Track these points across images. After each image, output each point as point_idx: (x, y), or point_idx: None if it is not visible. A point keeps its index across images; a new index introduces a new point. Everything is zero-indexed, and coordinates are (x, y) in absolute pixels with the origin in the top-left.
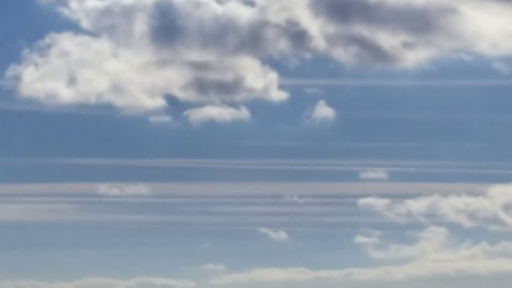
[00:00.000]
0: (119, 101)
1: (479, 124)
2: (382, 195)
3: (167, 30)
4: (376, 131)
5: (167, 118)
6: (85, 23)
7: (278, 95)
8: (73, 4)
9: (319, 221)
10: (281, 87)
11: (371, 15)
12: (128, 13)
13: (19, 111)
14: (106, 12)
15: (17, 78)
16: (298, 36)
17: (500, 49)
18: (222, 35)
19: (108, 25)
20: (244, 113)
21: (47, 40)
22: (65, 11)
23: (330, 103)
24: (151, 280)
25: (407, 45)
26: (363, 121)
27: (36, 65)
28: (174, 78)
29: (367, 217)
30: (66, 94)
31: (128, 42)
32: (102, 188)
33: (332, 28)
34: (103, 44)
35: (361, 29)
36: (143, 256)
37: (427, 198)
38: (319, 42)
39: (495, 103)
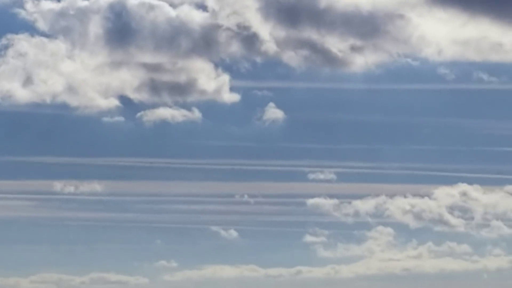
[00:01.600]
0: (74, 101)
1: (425, 127)
2: (330, 196)
3: (121, 32)
4: (324, 133)
5: (120, 119)
6: (41, 25)
7: (229, 97)
8: (29, 6)
9: (269, 220)
10: (233, 89)
11: (321, 20)
12: (83, 15)
13: None
14: (61, 14)
15: None
16: (249, 39)
17: (445, 55)
18: (175, 38)
19: (64, 27)
20: (196, 114)
21: (3, 41)
22: (22, 13)
23: (280, 105)
24: (105, 276)
25: (355, 49)
26: (312, 123)
27: None
28: (128, 80)
29: (315, 217)
30: (22, 94)
31: (83, 44)
32: (57, 185)
33: (282, 32)
34: (58, 46)
35: (311, 33)
36: (98, 253)
37: (374, 199)
38: (269, 46)
39: (440, 107)
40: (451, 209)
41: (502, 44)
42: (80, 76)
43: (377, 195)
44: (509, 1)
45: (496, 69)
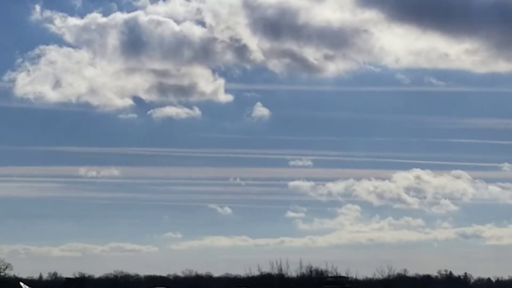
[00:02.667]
0: (95, 101)
1: (385, 122)
2: (307, 179)
3: (134, 43)
4: (302, 127)
5: (134, 115)
6: (67, 38)
7: (224, 98)
8: (58, 22)
9: (257, 199)
10: (227, 91)
11: (299, 34)
12: (102, 29)
13: (14, 108)
14: (84, 28)
15: (12, 81)
16: (240, 50)
17: (402, 63)
18: (179, 49)
19: (86, 39)
20: (196, 112)
21: (36, 51)
22: (52, 28)
23: (266, 104)
24: (121, 245)
25: (328, 58)
26: (292, 119)
27: (28, 71)
28: (140, 83)
29: (295, 197)
30: (52, 95)
31: (102, 53)
32: (82, 170)
33: (267, 44)
34: (82, 55)
35: (291, 45)
36: (115, 226)
37: (344, 181)
38: (257, 55)
39: (397, 106)
40: (407, 190)
41: (448, 54)
42: (100, 80)
43: (346, 179)
44: (453, 20)
45: (443, 75)
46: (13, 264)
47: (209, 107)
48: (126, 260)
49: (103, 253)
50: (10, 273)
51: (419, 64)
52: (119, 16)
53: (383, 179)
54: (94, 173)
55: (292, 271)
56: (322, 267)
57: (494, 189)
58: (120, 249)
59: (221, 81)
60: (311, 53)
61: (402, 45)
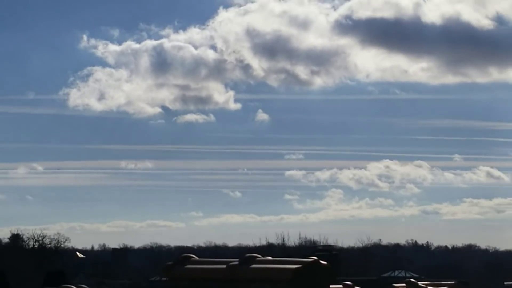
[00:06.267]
0: (131, 109)
1: (360, 123)
2: (300, 169)
3: (161, 64)
4: (295, 128)
5: (162, 121)
6: (109, 60)
7: (234, 106)
8: (101, 48)
9: (261, 185)
10: (236, 101)
11: (291, 55)
12: (136, 53)
13: (68, 116)
14: (122, 53)
15: (66, 95)
16: (245, 68)
17: (372, 78)
18: (197, 68)
19: (124, 61)
20: (211, 117)
21: (85, 71)
22: (97, 52)
23: (266, 111)
24: (155, 222)
25: (314, 73)
26: (287, 122)
27: (78, 87)
28: (167, 95)
29: (291, 183)
30: (97, 106)
31: (136, 72)
32: (122, 163)
33: (266, 63)
34: (121, 73)
35: (285, 64)
36: (150, 207)
37: (329, 170)
38: (258, 72)
39: (369, 110)
40: (379, 176)
41: (408, 70)
42: (135, 93)
43: (331, 168)
44: (412, 43)
45: (404, 86)
46: (71, 238)
47: (222, 113)
48: (159, 234)
49: (141, 228)
50: (68, 244)
51: (385, 78)
52: (149, 43)
53: (360, 168)
54: (132, 166)
55: (291, 241)
56: (315, 238)
57: (448, 175)
58: (154, 225)
59: (231, 93)
60: (301, 70)
61: (372, 63)
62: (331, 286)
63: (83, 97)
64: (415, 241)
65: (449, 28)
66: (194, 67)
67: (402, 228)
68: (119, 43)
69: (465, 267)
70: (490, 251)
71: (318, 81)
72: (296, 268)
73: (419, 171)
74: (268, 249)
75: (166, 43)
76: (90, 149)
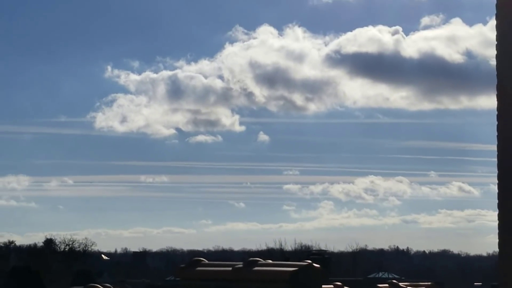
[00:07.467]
0: (149, 131)
1: (348, 144)
2: (296, 183)
3: (176, 91)
4: (292, 148)
5: (176, 141)
6: (130, 88)
7: (239, 128)
8: (123, 77)
9: (262, 196)
10: (240, 124)
11: (289, 84)
12: (154, 82)
13: (95, 136)
14: (141, 82)
15: (93, 118)
16: (248, 95)
17: (358, 104)
18: (207, 95)
19: (143, 89)
20: (219, 138)
21: (110, 98)
22: (119, 81)
23: (266, 133)
24: (171, 229)
25: (309, 100)
26: (285, 142)
27: (103, 111)
28: (180, 119)
29: (288, 195)
30: (119, 127)
31: (154, 98)
32: (141, 177)
33: (267, 91)
34: (140, 99)
35: (283, 91)
36: (166, 216)
37: (321, 184)
38: (260, 99)
39: (356, 132)
40: (365, 190)
41: (389, 98)
42: (153, 117)
43: (323, 183)
44: (393, 75)
45: (386, 112)
46: (97, 242)
47: (228, 135)
48: (174, 239)
49: (158, 234)
50: (94, 248)
51: (370, 105)
52: (165, 73)
53: (348, 183)
54: (150, 180)
55: (288, 246)
56: (309, 243)
57: (425, 189)
58: (169, 232)
59: (236, 117)
60: (297, 97)
61: (358, 92)
62: (323, 286)
63: (107, 120)
64: (397, 246)
65: (425, 62)
66: (204, 94)
67: (385, 235)
68: (139, 73)
69: (440, 269)
70: (462, 255)
71: (312, 107)
72: (292, 271)
73: (400, 186)
74: (268, 253)
75: (180, 73)
76: (113, 165)
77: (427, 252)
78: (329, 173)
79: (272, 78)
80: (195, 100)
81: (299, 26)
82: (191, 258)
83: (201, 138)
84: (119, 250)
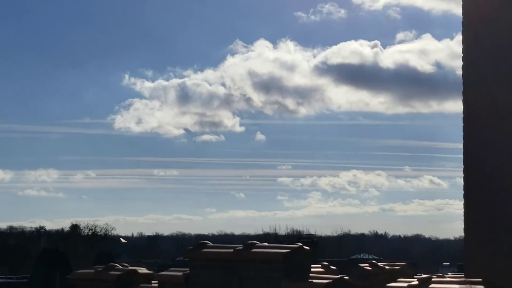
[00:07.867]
0: (160, 131)
1: (333, 142)
2: (288, 176)
3: (184, 97)
4: (285, 145)
5: (185, 140)
6: (145, 94)
7: (239, 129)
8: (139, 84)
9: (259, 188)
10: (240, 125)
11: (282, 90)
12: (165, 89)
13: (114, 135)
14: (154, 88)
15: (113, 120)
16: (247, 100)
17: (342, 108)
18: (211, 100)
19: (156, 95)
20: (222, 137)
21: (126, 102)
22: (135, 88)
23: (263, 133)
24: (180, 216)
25: (300, 104)
26: (279, 141)
27: (122, 114)
28: (188, 120)
29: (282, 187)
30: (135, 128)
31: (166, 103)
32: (154, 171)
33: (264, 97)
34: (154, 104)
35: (278, 97)
36: (176, 205)
37: (311, 177)
38: (257, 103)
39: (340, 132)
40: (349, 182)
41: (369, 103)
42: (164, 119)
43: (312, 176)
44: (373, 82)
45: (367, 115)
46: (116, 227)
47: (230, 134)
48: (183, 225)
49: (169, 220)
50: (114, 232)
51: (353, 109)
52: (175, 81)
53: (334, 176)
54: (162, 173)
55: (282, 231)
56: (300, 228)
57: (400, 181)
58: (179, 218)
59: (237, 119)
60: (290, 102)
61: (343, 98)
62: (312, 265)
63: (125, 121)
64: (376, 231)
65: (400, 71)
66: (209, 99)
67: (366, 221)
68: (152, 81)
69: (414, 251)
70: (433, 239)
71: (303, 110)
72: (285, 252)
73: (379, 179)
74: (264, 237)
75: (188, 81)
76: (130, 160)
77: (402, 236)
78: (317, 168)
79: (268, 85)
80: (201, 104)
81: (291, 41)
82: (197, 241)
83: (206, 137)
84: (135, 234)
